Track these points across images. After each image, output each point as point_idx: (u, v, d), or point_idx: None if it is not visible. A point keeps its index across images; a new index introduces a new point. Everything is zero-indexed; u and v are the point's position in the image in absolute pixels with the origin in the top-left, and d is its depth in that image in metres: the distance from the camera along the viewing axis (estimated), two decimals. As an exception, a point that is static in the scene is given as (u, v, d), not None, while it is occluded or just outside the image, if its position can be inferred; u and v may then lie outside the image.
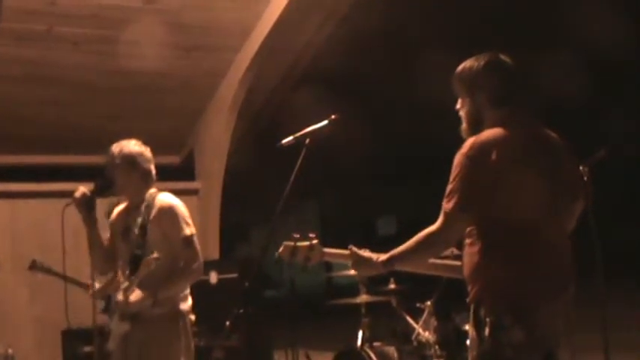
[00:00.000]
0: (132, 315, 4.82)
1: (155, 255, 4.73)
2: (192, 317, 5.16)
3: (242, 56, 9.60)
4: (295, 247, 4.25)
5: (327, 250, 4.27)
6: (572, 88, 14.22)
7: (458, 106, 3.99)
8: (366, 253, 4.03)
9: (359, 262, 4.02)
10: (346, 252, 4.19)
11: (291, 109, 11.07)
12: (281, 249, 4.30)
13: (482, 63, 3.89)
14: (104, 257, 5.10)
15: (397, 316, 7.27)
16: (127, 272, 4.93)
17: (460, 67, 3.96)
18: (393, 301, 7.31)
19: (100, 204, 5.08)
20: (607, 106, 17.46)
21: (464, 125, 3.93)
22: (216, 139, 10.43)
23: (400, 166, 20.97)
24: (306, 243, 4.24)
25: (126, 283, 4.86)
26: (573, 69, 14.24)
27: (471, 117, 3.91)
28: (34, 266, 5.43)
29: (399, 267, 3.95)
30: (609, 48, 14.36)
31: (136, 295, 4.77)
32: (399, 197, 23.58)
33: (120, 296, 4.83)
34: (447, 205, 3.65)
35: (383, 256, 3.91)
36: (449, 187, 3.67)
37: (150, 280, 4.77)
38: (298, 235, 4.27)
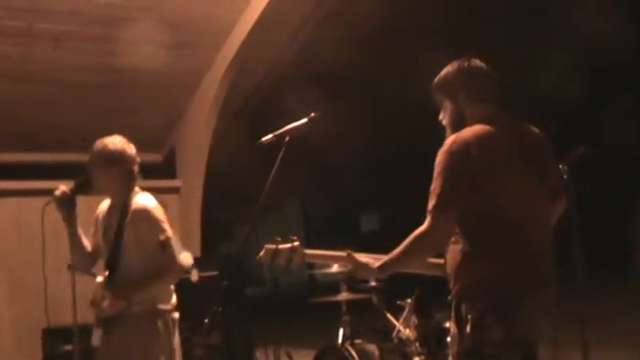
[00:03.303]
0: (106, 319, 4.78)
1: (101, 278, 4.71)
2: (176, 315, 5.09)
3: (224, 53, 9.60)
4: (277, 250, 4.25)
5: (309, 251, 4.29)
6: (570, 86, 14.26)
7: (440, 116, 4.04)
8: (363, 258, 4.02)
9: (357, 266, 4.02)
10: (328, 252, 4.24)
11: (274, 105, 11.06)
12: (262, 252, 4.31)
13: (456, 66, 3.97)
14: (86, 255, 5.07)
15: (378, 313, 7.28)
16: (104, 274, 4.88)
17: (436, 78, 4.02)
18: (374, 299, 7.31)
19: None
20: (604, 105, 17.54)
21: (448, 132, 3.94)
22: (197, 136, 10.43)
23: (383, 163, 20.96)
24: (288, 245, 4.24)
25: (100, 290, 4.81)
26: (571, 68, 14.27)
27: (454, 118, 3.94)
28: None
29: (395, 270, 3.94)
30: (607, 47, 14.41)
31: (108, 302, 4.72)
32: (382, 194, 23.59)
33: (91, 303, 4.79)
34: (429, 205, 3.67)
35: (378, 262, 3.90)
36: (432, 187, 3.68)
37: (123, 285, 4.73)
38: (280, 238, 4.27)
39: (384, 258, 3.90)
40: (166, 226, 4.87)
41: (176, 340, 7.83)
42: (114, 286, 4.73)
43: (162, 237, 4.80)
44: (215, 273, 8.27)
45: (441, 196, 3.62)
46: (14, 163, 10.55)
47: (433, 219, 3.64)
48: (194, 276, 8.27)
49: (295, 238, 4.27)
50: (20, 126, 9.81)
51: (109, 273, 4.80)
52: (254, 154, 5.24)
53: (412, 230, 3.84)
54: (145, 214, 4.84)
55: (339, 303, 7.39)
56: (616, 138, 16.68)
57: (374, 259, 3.98)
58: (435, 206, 3.63)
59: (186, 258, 8.34)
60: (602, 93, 17.61)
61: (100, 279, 4.81)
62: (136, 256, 4.77)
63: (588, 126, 16.98)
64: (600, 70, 16.51)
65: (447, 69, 3.99)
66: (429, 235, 3.67)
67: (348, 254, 4.06)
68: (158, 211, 4.89)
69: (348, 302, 7.36)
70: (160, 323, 4.86)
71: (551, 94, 14.70)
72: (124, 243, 4.80)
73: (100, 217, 5.12)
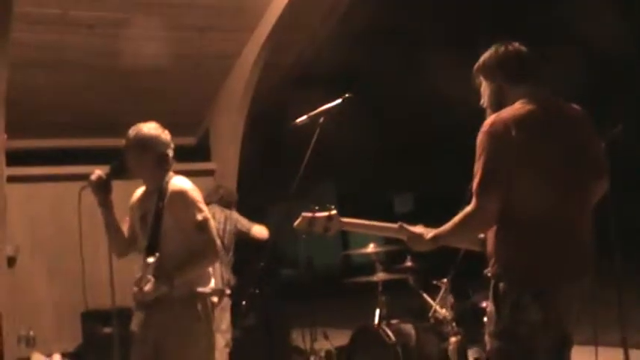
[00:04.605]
0: (148, 304, 4.76)
1: (152, 259, 4.67)
2: (215, 299, 5.08)
3: (256, 36, 9.57)
4: (313, 218, 4.28)
5: (345, 219, 4.31)
6: (572, 85, 14.22)
7: (481, 101, 4.04)
8: (417, 229, 4.05)
9: (411, 237, 4.04)
10: (367, 222, 4.29)
11: (308, 87, 11.02)
12: (299, 220, 4.34)
13: (495, 49, 3.99)
14: (122, 240, 5.06)
15: (414, 293, 7.26)
16: (143, 260, 4.86)
17: (478, 62, 4.04)
18: (410, 279, 7.30)
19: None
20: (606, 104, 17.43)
21: (488, 113, 3.94)
22: (231, 119, 10.41)
23: (416, 144, 20.88)
24: (325, 213, 4.28)
25: (139, 273, 4.80)
26: (573, 66, 14.21)
27: (493, 98, 3.95)
28: None
29: (446, 244, 4.00)
30: (609, 44, 14.35)
31: (150, 285, 4.69)
32: (415, 175, 23.51)
33: (134, 287, 4.77)
34: (473, 185, 3.68)
35: (430, 234, 3.93)
36: (475, 168, 3.69)
37: (164, 267, 4.69)
38: (317, 207, 4.30)
39: (436, 230, 3.92)
40: (203, 206, 4.87)
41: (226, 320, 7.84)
42: (155, 270, 4.71)
43: (199, 217, 4.79)
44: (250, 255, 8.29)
45: (483, 177, 3.63)
46: (50, 149, 10.59)
47: (478, 200, 3.66)
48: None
49: (332, 207, 4.30)
50: (56, 112, 9.83)
51: (150, 255, 4.77)
52: (289, 136, 5.20)
53: (446, 211, 3.84)
54: (181, 195, 4.83)
55: (374, 283, 7.38)
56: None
57: (425, 230, 4.00)
58: (478, 187, 3.65)
59: (261, 230, 8.47)
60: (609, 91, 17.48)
61: (150, 259, 4.74)
62: (175, 239, 4.76)
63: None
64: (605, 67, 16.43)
65: (488, 52, 4.01)
66: (474, 215, 3.69)
67: (400, 225, 4.09)
68: (195, 193, 4.89)
69: (384, 282, 7.36)
70: (199, 307, 4.85)
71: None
72: (163, 226, 4.79)
73: (135, 204, 5.11)
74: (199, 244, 4.79)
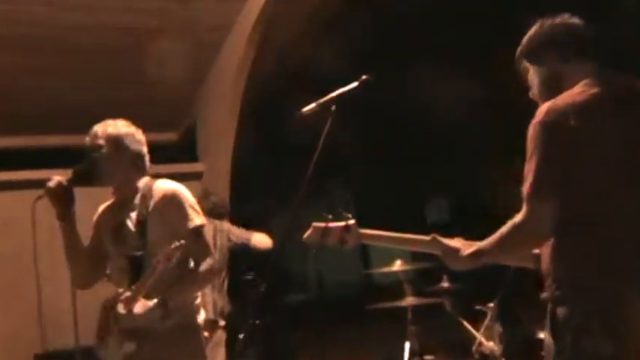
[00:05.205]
0: (137, 331, 4.66)
1: (178, 243, 4.53)
2: (206, 333, 5.07)
3: (250, 6, 9.54)
4: (327, 229, 4.25)
5: (366, 231, 4.28)
6: None
7: (530, 93, 3.98)
8: (454, 242, 4.02)
9: (446, 253, 4.01)
10: (393, 234, 4.25)
11: (314, 67, 11.01)
12: (309, 231, 4.31)
13: (539, 24, 3.93)
14: (86, 266, 4.99)
15: (452, 321, 7.23)
16: (128, 280, 4.78)
17: (522, 43, 3.98)
18: (447, 304, 7.26)
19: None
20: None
21: (541, 104, 3.79)
22: (222, 109, 10.40)
23: (454, 140, 20.86)
24: (341, 223, 4.25)
25: (128, 293, 4.74)
26: None
27: (546, 85, 3.88)
28: None
29: (488, 261, 3.92)
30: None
31: (141, 305, 4.62)
32: (453, 177, 23.52)
33: (121, 308, 4.66)
34: (524, 188, 3.60)
35: (469, 250, 3.88)
36: (526, 166, 3.62)
37: (157, 285, 4.61)
38: (330, 216, 4.27)
39: (476, 244, 3.87)
40: (199, 209, 4.89)
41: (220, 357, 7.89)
42: (145, 288, 4.66)
43: (198, 222, 4.80)
44: (248, 277, 8.28)
45: (537, 179, 3.55)
46: (1, 150, 10.60)
47: (530, 206, 3.58)
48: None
49: (350, 215, 4.27)
50: (9, 103, 9.82)
51: (136, 276, 4.70)
52: (293, 128, 5.17)
53: (489, 220, 3.80)
54: (172, 198, 4.82)
55: (403, 309, 7.35)
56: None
57: (464, 244, 3.96)
58: (530, 190, 3.57)
59: (262, 239, 8.50)
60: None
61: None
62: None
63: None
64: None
65: (530, 32, 3.95)
66: (525, 225, 3.61)
67: (433, 237, 4.06)
68: (188, 195, 4.89)
69: (415, 308, 7.32)
70: (196, 341, 4.88)
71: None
72: (150, 237, 4.75)
73: (102, 219, 5.07)
74: (194, 255, 4.78)
